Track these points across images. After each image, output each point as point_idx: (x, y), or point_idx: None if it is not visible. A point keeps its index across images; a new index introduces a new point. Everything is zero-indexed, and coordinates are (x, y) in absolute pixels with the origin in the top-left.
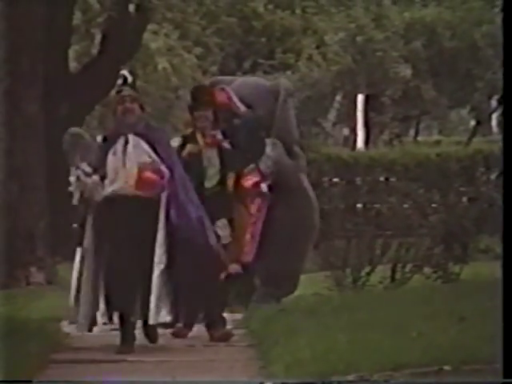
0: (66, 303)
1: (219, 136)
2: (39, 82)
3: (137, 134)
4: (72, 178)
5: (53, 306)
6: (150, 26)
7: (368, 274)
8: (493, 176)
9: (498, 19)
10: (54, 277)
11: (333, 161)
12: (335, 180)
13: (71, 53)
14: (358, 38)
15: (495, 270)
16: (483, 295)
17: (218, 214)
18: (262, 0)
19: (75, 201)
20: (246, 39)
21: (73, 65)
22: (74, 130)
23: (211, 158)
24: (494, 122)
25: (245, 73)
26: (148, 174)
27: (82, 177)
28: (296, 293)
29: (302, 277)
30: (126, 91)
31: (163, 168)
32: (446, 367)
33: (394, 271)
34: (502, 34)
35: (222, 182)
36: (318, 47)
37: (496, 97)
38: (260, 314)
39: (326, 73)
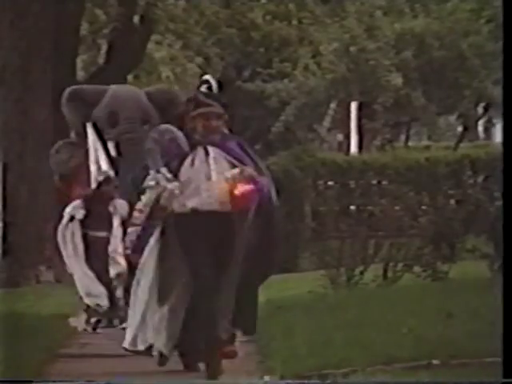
0: (74, 300)
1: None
2: (48, 90)
3: (214, 145)
4: (151, 183)
5: (61, 304)
6: (154, 37)
7: (361, 272)
8: (479, 179)
9: (484, 30)
10: (62, 275)
11: (328, 165)
12: (330, 183)
13: (79, 62)
14: (352, 48)
15: (482, 268)
16: (470, 293)
17: None
18: (261, 11)
19: (145, 206)
20: (245, 49)
21: (80, 74)
22: (165, 126)
23: None
24: (480, 128)
25: (244, 81)
26: (241, 188)
27: (163, 182)
28: (293, 291)
29: (299, 275)
30: (216, 108)
31: (253, 172)
32: (435, 361)
33: (385, 270)
34: (487, 45)
35: None
36: (313, 57)
37: (482, 104)
38: (258, 311)
39: (321, 81)
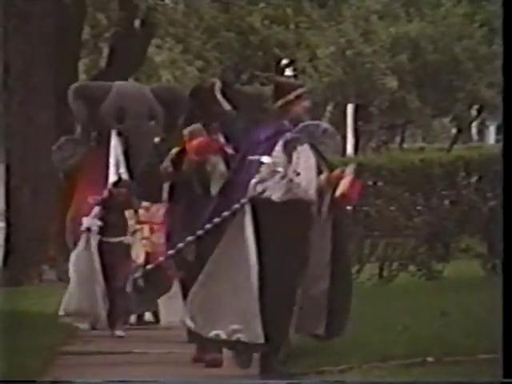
0: None
1: (222, 139)
2: (51, 93)
3: (311, 145)
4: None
5: None
6: (154, 41)
7: (357, 271)
8: (473, 180)
9: (478, 34)
10: (64, 274)
11: None
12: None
13: (81, 65)
14: (348, 52)
15: (475, 268)
16: (464, 291)
17: None
18: (259, 16)
19: (279, 196)
20: (244, 53)
21: (82, 77)
22: (333, 129)
23: (216, 164)
24: (473, 130)
25: (243, 84)
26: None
27: (295, 177)
28: None
29: None
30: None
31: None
32: (430, 359)
33: (381, 269)
34: (481, 48)
35: None
36: (310, 60)
37: (476, 106)
38: None
39: (318, 84)
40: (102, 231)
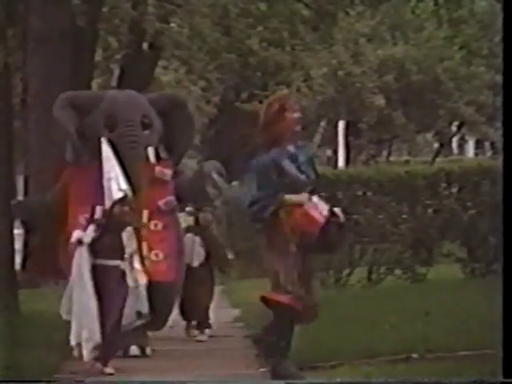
0: None
1: None
2: None
3: None
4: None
5: None
6: (161, 62)
7: (348, 275)
8: (453, 191)
9: (457, 56)
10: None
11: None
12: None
13: (94, 85)
14: (339, 72)
15: (456, 271)
16: (445, 293)
17: None
18: (257, 39)
19: None
20: (244, 73)
21: None
22: None
23: None
24: (454, 145)
25: (243, 102)
26: None
27: None
28: None
29: None
30: None
31: None
32: (414, 355)
33: (370, 273)
34: (460, 69)
35: None
36: (305, 80)
37: (456, 123)
38: (255, 310)
39: (312, 102)
40: (96, 253)
